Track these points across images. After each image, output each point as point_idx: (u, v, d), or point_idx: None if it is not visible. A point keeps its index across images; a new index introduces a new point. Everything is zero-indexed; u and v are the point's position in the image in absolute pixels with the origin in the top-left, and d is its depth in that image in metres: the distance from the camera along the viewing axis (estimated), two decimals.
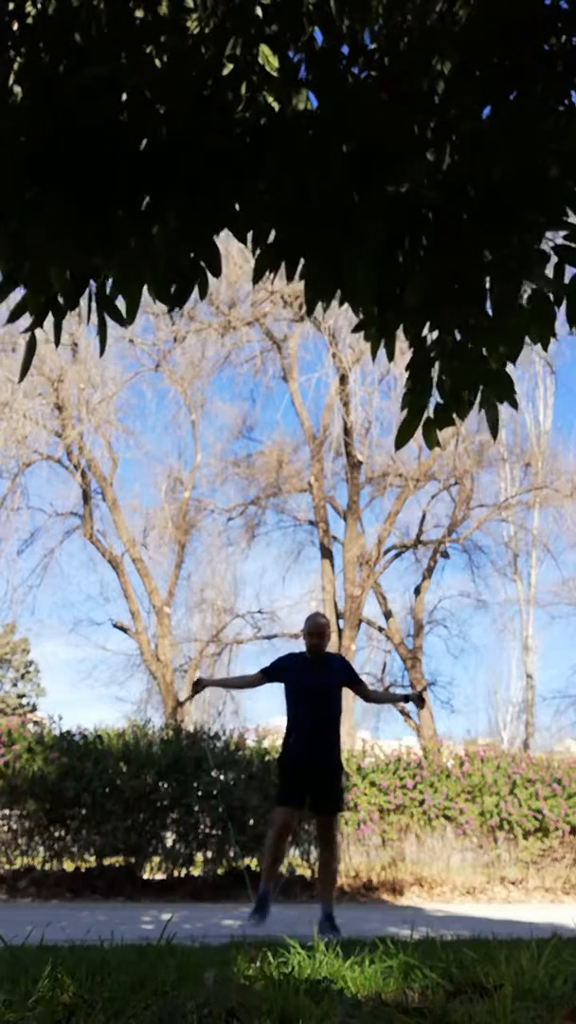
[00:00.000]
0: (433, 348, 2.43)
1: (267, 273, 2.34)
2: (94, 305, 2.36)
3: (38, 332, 2.34)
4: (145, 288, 2.31)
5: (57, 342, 2.37)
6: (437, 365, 2.46)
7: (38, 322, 2.30)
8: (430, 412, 2.49)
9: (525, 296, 2.30)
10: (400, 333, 2.48)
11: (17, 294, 2.34)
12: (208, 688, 6.32)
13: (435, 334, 2.44)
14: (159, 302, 2.33)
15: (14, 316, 2.32)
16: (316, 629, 5.66)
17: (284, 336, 17.16)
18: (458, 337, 2.42)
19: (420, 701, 6.17)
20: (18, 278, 2.24)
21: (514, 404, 2.43)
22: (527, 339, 2.34)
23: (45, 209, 2.13)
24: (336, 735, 5.62)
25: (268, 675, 5.73)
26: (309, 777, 5.49)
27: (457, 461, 16.77)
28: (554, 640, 50.14)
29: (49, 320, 2.35)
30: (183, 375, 17.60)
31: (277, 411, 28.43)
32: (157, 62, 2.16)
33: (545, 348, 2.37)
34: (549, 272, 2.27)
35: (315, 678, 5.61)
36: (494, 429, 2.43)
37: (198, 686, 5.89)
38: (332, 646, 16.76)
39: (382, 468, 17.07)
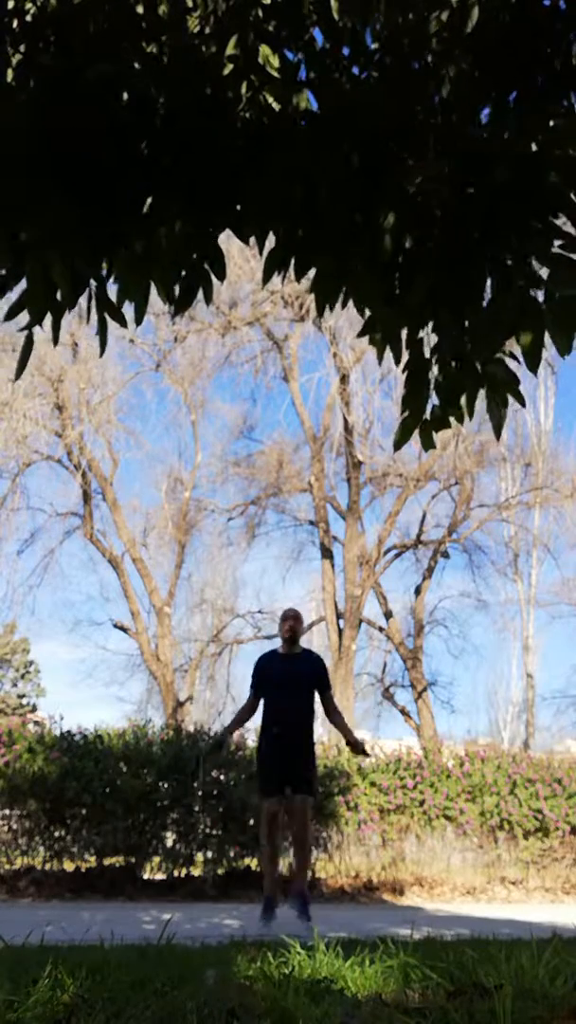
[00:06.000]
0: (431, 350, 2.42)
1: (275, 274, 2.33)
2: (94, 304, 2.34)
3: (38, 333, 2.33)
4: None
5: (56, 341, 2.34)
6: (435, 368, 2.44)
7: (36, 320, 2.27)
8: (427, 415, 2.48)
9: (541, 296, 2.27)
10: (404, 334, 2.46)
11: (14, 290, 2.31)
12: (221, 740, 6.71)
13: (432, 336, 2.42)
14: (164, 302, 2.33)
15: (11, 314, 2.30)
16: (289, 613, 6.13)
17: (284, 336, 17.17)
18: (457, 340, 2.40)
19: (359, 750, 6.04)
20: (20, 277, 2.23)
21: (521, 401, 2.41)
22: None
23: (49, 213, 2.12)
24: (307, 724, 5.89)
25: (256, 687, 6.04)
26: (282, 764, 5.76)
27: (457, 461, 16.76)
28: (554, 640, 50.25)
29: (48, 319, 2.33)
30: (183, 375, 17.61)
31: (278, 411, 28.42)
32: (158, 61, 2.16)
33: (569, 352, 2.30)
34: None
35: (286, 669, 5.94)
36: (498, 431, 2.41)
37: (220, 746, 6.42)
38: (332, 646, 16.81)
39: (382, 468, 17.06)
